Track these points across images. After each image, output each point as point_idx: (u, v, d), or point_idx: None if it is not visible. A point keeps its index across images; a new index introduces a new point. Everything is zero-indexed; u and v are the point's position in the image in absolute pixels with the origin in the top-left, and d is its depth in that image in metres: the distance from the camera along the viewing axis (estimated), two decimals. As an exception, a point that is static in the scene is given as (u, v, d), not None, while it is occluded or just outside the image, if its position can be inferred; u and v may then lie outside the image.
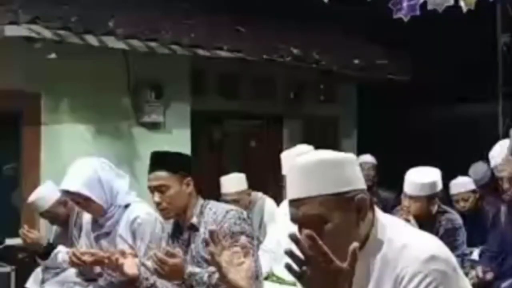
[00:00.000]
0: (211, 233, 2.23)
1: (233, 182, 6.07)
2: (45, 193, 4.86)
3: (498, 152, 4.10)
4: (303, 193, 1.96)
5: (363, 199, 1.99)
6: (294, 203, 1.99)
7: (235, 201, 5.80)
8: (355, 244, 1.78)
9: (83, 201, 3.80)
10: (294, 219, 1.99)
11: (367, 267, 1.98)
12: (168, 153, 3.59)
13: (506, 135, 8.18)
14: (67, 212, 4.75)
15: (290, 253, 1.74)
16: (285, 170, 4.17)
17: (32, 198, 4.94)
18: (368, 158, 7.16)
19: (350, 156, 2.08)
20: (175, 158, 3.47)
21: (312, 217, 1.95)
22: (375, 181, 6.97)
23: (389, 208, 5.98)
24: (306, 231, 1.80)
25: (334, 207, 1.95)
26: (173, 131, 7.42)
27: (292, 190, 2.00)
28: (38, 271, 4.87)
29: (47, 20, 6.12)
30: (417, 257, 1.93)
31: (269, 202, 6.15)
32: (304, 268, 1.75)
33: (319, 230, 1.93)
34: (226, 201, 5.71)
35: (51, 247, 4.66)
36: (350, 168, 2.00)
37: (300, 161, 2.01)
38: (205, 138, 7.92)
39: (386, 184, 6.76)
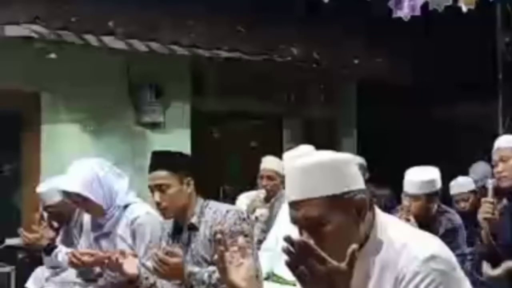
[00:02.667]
0: (218, 232, 2.23)
1: (273, 161, 6.15)
2: (55, 187, 4.73)
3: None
4: (303, 195, 1.96)
5: (362, 199, 1.99)
6: (293, 204, 1.99)
7: (269, 178, 5.99)
8: (353, 246, 1.79)
9: (82, 202, 3.80)
10: (294, 221, 1.99)
11: (367, 267, 1.98)
12: (169, 153, 3.59)
13: (506, 135, 8.21)
14: (70, 211, 4.73)
15: (287, 251, 1.75)
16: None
17: (40, 189, 4.87)
18: (356, 158, 7.09)
19: (349, 156, 2.08)
20: (176, 158, 3.47)
21: (312, 218, 1.95)
22: (366, 180, 6.90)
23: (382, 204, 5.98)
24: (300, 238, 1.80)
25: (333, 208, 1.94)
26: (173, 131, 7.42)
27: (292, 192, 2.00)
28: (38, 271, 4.86)
29: (47, 20, 6.12)
30: (417, 257, 1.93)
31: None
32: (302, 267, 1.76)
33: (319, 232, 1.94)
34: (261, 176, 6.04)
35: (50, 247, 4.66)
36: (349, 169, 2.00)
37: (299, 163, 2.00)
38: (205, 138, 7.92)
39: (386, 184, 6.75)
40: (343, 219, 1.95)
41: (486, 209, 3.81)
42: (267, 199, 5.98)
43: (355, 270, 1.81)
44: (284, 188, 6.04)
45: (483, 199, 3.91)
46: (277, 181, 6.08)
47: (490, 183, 3.92)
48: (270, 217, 5.78)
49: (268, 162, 6.18)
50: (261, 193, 6.00)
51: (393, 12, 5.58)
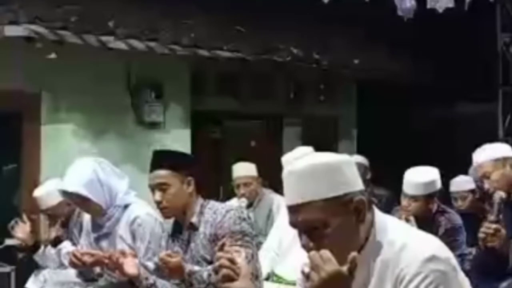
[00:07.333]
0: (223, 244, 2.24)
1: (245, 167, 6.20)
2: (51, 191, 4.74)
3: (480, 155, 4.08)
4: (300, 198, 1.95)
5: (361, 200, 1.98)
6: (292, 208, 1.98)
7: (246, 185, 6.04)
8: (353, 254, 1.80)
9: (82, 202, 3.80)
10: (293, 225, 1.99)
11: (368, 269, 1.98)
12: (170, 152, 3.61)
13: (506, 135, 8.22)
14: (69, 212, 4.75)
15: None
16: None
17: (38, 193, 4.89)
18: (359, 158, 7.05)
19: (346, 158, 2.07)
20: (176, 157, 3.48)
21: (311, 222, 1.94)
22: (368, 180, 6.88)
23: (383, 204, 5.98)
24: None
25: (332, 211, 1.94)
26: (173, 131, 7.42)
27: (289, 196, 1.99)
28: (38, 271, 4.89)
29: (47, 20, 6.12)
30: (417, 257, 1.93)
31: (278, 196, 6.20)
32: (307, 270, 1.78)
33: (318, 235, 1.94)
34: (238, 185, 6.06)
35: (35, 246, 4.74)
36: (346, 170, 1.99)
37: (295, 167, 1.99)
38: (205, 138, 7.92)
39: (386, 184, 6.75)
40: (343, 221, 1.95)
41: (484, 230, 3.74)
42: (249, 206, 5.96)
43: (356, 271, 1.82)
44: (260, 183, 6.11)
45: (486, 222, 3.83)
46: (254, 185, 6.11)
47: (497, 198, 3.83)
48: (255, 219, 5.78)
49: (240, 170, 6.18)
50: (242, 202, 5.94)
51: (394, 11, 5.61)
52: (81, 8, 6.54)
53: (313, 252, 1.83)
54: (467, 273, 2.14)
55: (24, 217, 4.95)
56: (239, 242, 3.12)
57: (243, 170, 6.17)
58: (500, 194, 3.83)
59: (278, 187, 5.98)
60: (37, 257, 4.82)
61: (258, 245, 4.30)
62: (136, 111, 7.21)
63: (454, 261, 2.01)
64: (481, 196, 5.67)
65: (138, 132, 7.22)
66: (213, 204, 3.39)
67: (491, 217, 3.77)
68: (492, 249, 3.80)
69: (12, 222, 4.91)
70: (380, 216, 2.05)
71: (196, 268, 3.19)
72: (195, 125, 7.62)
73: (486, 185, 3.94)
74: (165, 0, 7.22)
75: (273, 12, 7.79)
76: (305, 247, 1.95)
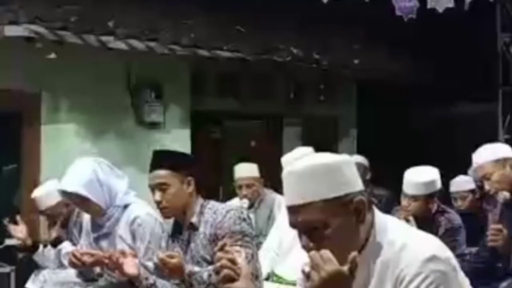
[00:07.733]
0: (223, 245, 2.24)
1: (247, 168, 6.17)
2: (50, 191, 4.76)
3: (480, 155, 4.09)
4: (300, 199, 1.95)
5: (361, 201, 1.97)
6: (291, 209, 1.98)
7: (248, 186, 6.02)
8: (353, 253, 1.80)
9: (81, 202, 3.80)
10: (293, 225, 1.99)
11: (368, 269, 1.98)
12: (170, 152, 3.61)
13: (506, 134, 8.22)
14: (68, 213, 4.75)
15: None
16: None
17: (35, 194, 4.91)
18: (359, 159, 7.03)
19: (346, 158, 2.07)
20: (177, 157, 3.48)
21: (311, 222, 1.94)
22: (367, 180, 6.88)
23: (383, 204, 5.98)
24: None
25: (332, 212, 1.94)
26: (173, 131, 7.42)
27: (289, 197, 1.99)
28: (38, 272, 4.89)
29: (47, 20, 6.12)
30: (417, 257, 1.93)
31: (279, 196, 6.20)
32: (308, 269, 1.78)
33: (319, 235, 1.94)
34: (240, 186, 6.04)
35: (34, 247, 4.74)
36: (346, 171, 1.99)
37: (295, 167, 1.99)
38: (205, 138, 7.92)
39: (386, 184, 6.74)
40: (343, 222, 1.95)
41: (492, 238, 3.78)
42: (250, 207, 5.96)
43: (356, 272, 1.82)
44: (262, 184, 6.09)
45: (492, 226, 3.85)
46: (256, 186, 6.09)
47: (501, 198, 3.86)
48: (256, 220, 5.78)
49: (242, 170, 6.15)
50: (243, 203, 5.91)
51: (394, 11, 5.61)
52: (81, 8, 6.55)
53: (313, 252, 1.83)
54: (467, 273, 2.14)
55: (18, 218, 4.96)
56: (239, 242, 3.12)
57: (246, 171, 6.14)
58: (504, 194, 3.85)
59: (278, 187, 5.99)
60: (36, 257, 4.84)
61: (258, 245, 4.31)
62: (136, 111, 7.21)
63: (454, 261, 2.01)
64: (482, 196, 5.67)
65: (138, 132, 7.22)
66: (213, 204, 3.39)
67: (495, 217, 3.80)
68: (494, 249, 3.82)
69: (5, 221, 4.92)
70: (380, 217, 2.05)
71: (196, 268, 3.19)
72: (195, 125, 7.62)
73: (487, 186, 3.95)
74: (165, 0, 7.23)
75: (273, 12, 7.79)
76: (305, 247, 1.95)
